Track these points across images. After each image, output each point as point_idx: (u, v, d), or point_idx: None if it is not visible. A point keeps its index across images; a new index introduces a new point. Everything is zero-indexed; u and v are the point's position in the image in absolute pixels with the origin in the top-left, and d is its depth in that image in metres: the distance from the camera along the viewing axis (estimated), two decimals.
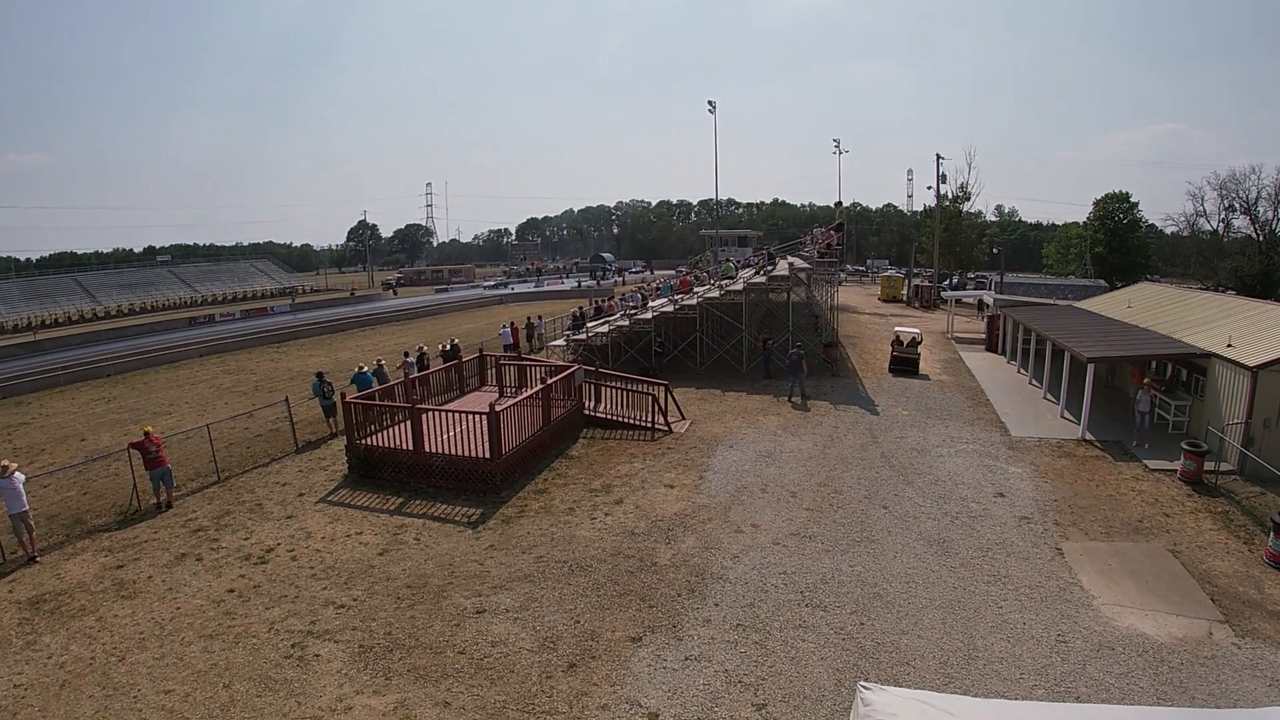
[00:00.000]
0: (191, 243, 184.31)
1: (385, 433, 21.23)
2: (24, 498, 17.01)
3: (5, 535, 17.40)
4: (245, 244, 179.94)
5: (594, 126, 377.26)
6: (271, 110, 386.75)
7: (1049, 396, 27.10)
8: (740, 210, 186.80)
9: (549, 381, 22.61)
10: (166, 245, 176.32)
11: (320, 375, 26.47)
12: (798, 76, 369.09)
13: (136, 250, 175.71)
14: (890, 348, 35.27)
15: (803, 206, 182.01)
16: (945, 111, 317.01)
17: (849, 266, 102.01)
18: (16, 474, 17.08)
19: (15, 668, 12.47)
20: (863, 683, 6.11)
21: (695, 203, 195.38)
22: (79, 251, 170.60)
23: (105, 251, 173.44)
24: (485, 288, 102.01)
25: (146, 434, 19.67)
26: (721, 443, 22.51)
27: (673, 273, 79.28)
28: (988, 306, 45.86)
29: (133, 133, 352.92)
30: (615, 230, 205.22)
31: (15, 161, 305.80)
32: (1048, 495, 18.06)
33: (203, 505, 19.84)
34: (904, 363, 33.52)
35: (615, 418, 24.55)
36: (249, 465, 22.87)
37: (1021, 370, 32.32)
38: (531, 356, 33.94)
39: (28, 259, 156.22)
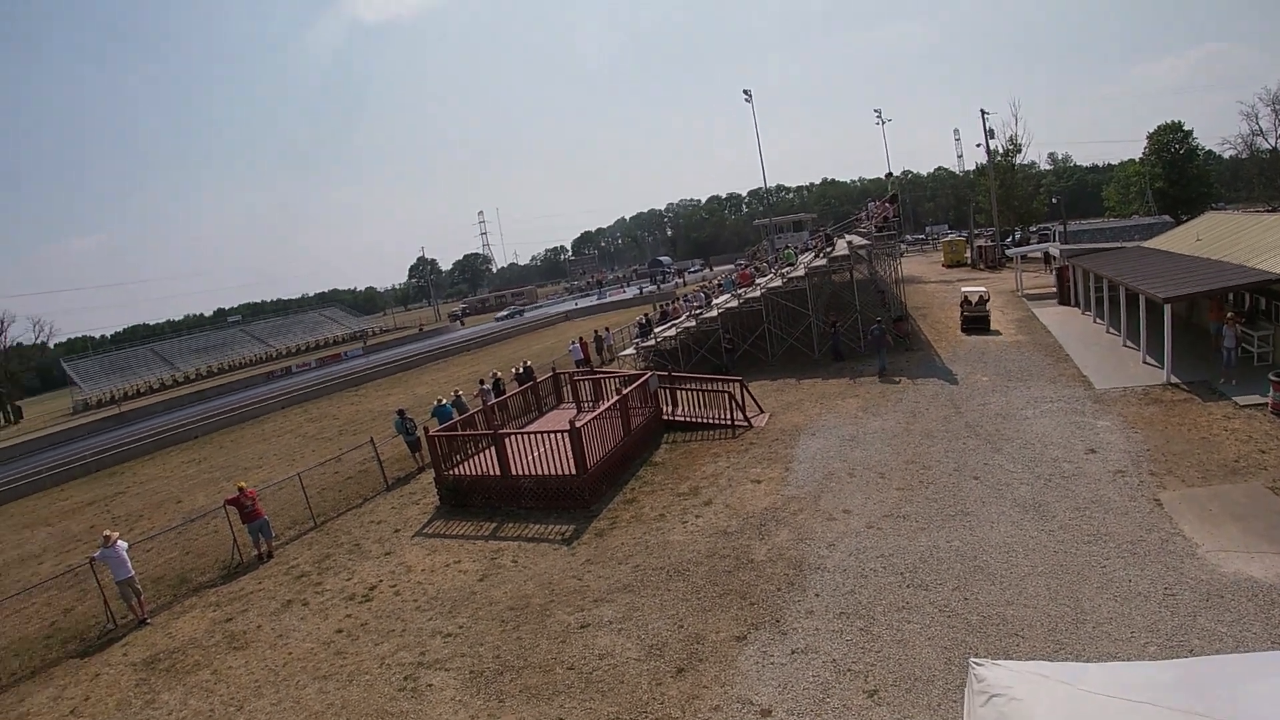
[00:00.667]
0: (259, 300, 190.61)
1: (471, 461, 21.62)
2: (129, 564, 17.85)
3: (115, 601, 18.16)
4: (311, 294, 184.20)
5: (632, 133, 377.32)
6: (318, 161, 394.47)
7: (1129, 343, 26.43)
8: (791, 195, 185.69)
9: (624, 391, 22.78)
10: (236, 306, 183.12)
11: (401, 412, 27.10)
12: (822, 51, 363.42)
13: (207, 314, 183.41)
14: (960, 309, 35.02)
15: (853, 182, 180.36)
16: (979, 66, 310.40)
17: (908, 236, 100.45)
18: (119, 542, 17.94)
19: None
20: (974, 659, 6.06)
21: (745, 194, 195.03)
22: (151, 323, 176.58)
23: (177, 319, 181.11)
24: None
25: (240, 489, 20.37)
26: (803, 431, 22.37)
27: (732, 267, 78.94)
28: (1054, 259, 44.88)
29: (187, 201, 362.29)
30: (669, 232, 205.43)
31: (78, 244, 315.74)
32: (1139, 446, 17.61)
33: (303, 551, 20.46)
34: (975, 321, 33.40)
35: (694, 419, 24.53)
36: (343, 508, 23.46)
37: (1097, 320, 31.55)
38: (604, 369, 34.04)
39: (102, 335, 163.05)
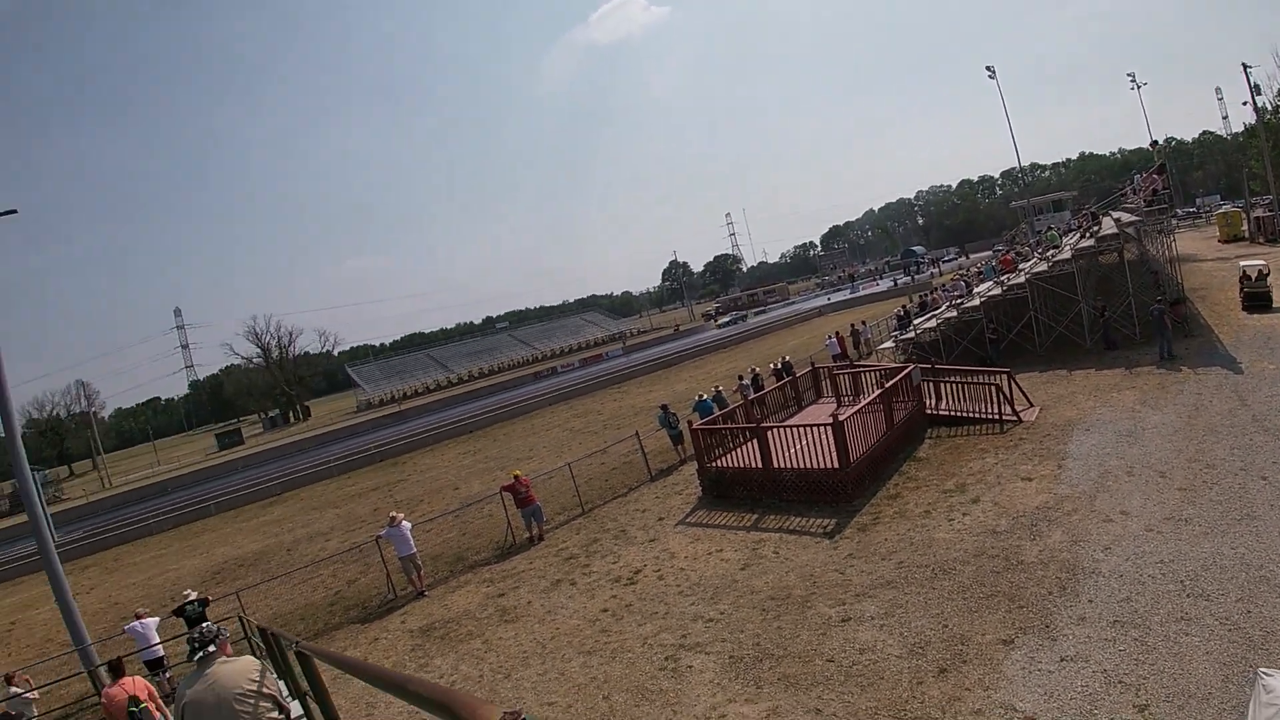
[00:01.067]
0: (523, 307, 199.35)
1: (733, 454, 22.13)
2: (411, 542, 19.91)
3: (396, 575, 20.34)
4: (571, 300, 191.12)
5: (874, 123, 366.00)
6: (572, 171, 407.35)
7: None
8: (1047, 173, 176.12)
9: (887, 385, 22.56)
10: (502, 314, 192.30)
11: (664, 407, 28.04)
12: (1060, 22, 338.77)
13: (476, 322, 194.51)
14: (1239, 285, 32.50)
15: (1112, 155, 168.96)
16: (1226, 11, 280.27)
17: (1179, 210, 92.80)
18: (404, 522, 20.06)
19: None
20: (1263, 669, 5.87)
21: (998, 175, 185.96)
22: (426, 331, 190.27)
23: (449, 327, 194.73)
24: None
25: (515, 477, 22.08)
26: (1076, 426, 21.30)
27: (990, 254, 76.20)
28: None
29: (455, 225, 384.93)
30: (920, 221, 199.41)
31: (360, 264, 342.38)
32: None
33: (571, 535, 21.69)
34: (1255, 298, 30.99)
35: (959, 413, 23.83)
36: (609, 496, 24.67)
37: None
38: (862, 363, 33.72)
39: (382, 344, 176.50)
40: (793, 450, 20.22)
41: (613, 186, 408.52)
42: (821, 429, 19.67)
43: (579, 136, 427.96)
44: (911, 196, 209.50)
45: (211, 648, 6.45)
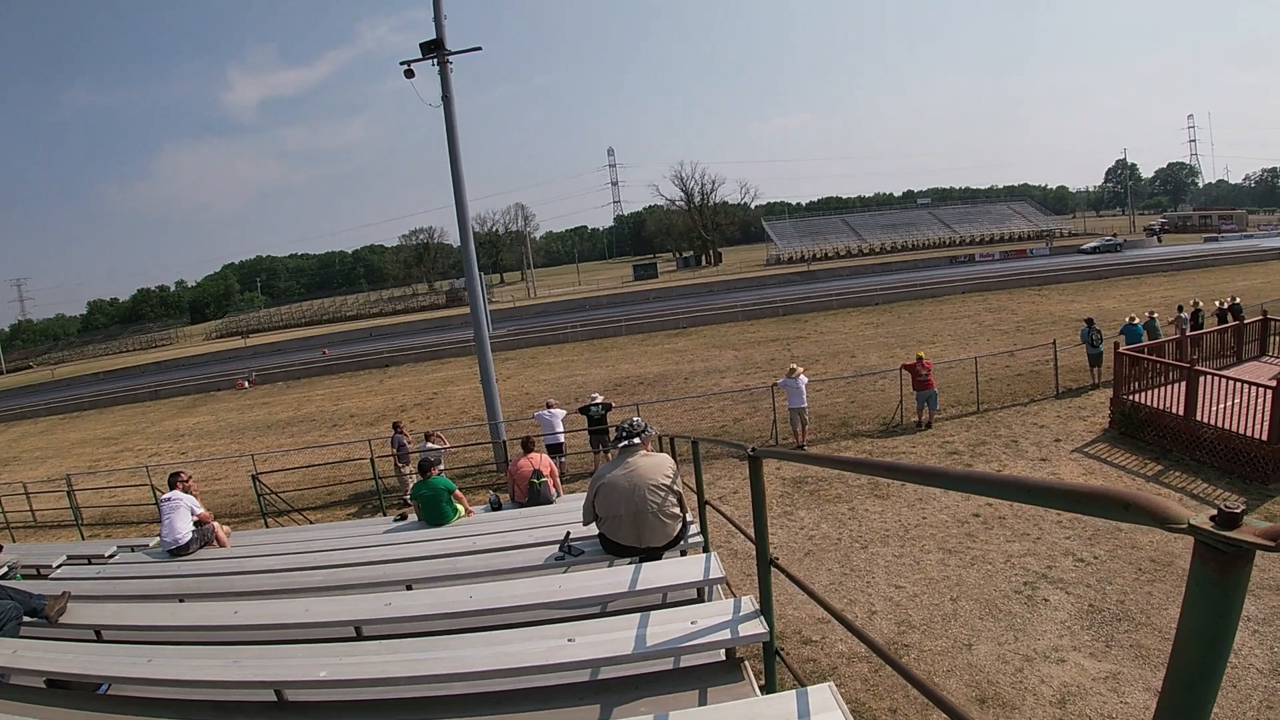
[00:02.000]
0: (948, 186, 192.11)
1: (1153, 392, 20.18)
2: (805, 396, 20.69)
3: (782, 424, 21.33)
4: (1000, 186, 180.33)
5: None
6: (1020, 51, 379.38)
7: None
8: None
9: None
10: (925, 189, 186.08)
11: (1090, 321, 26.01)
12: None
13: (896, 194, 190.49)
14: None
15: None
16: None
17: None
18: (801, 376, 20.89)
19: (772, 528, 14.69)
20: None
21: None
22: (843, 196, 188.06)
23: (867, 196, 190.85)
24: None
25: (919, 358, 21.90)
26: None
27: None
28: None
29: (885, 88, 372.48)
30: None
31: (782, 124, 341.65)
32: None
33: (960, 431, 21.26)
34: None
35: None
36: (1008, 402, 23.76)
37: None
38: None
39: (798, 203, 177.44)
40: (1221, 406, 18.12)
41: (1062, 62, 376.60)
42: (1261, 390, 17.41)
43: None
44: None
45: (636, 440, 7.15)
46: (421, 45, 21.42)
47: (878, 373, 26.17)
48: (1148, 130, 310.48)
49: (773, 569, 4.82)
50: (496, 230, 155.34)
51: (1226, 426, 17.76)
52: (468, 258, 22.36)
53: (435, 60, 21.44)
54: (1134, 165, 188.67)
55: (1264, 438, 16.84)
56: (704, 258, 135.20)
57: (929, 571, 13.22)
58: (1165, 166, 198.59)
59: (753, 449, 4.67)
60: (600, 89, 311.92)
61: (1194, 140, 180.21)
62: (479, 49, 22.09)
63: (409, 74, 21.53)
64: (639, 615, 4.99)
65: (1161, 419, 19.36)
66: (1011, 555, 13.85)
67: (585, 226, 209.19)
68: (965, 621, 11.63)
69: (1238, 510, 1.61)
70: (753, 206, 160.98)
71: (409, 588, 7.13)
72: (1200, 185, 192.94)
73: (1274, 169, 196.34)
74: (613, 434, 8.26)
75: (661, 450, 9.56)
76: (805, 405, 20.75)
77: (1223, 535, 1.60)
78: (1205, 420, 18.29)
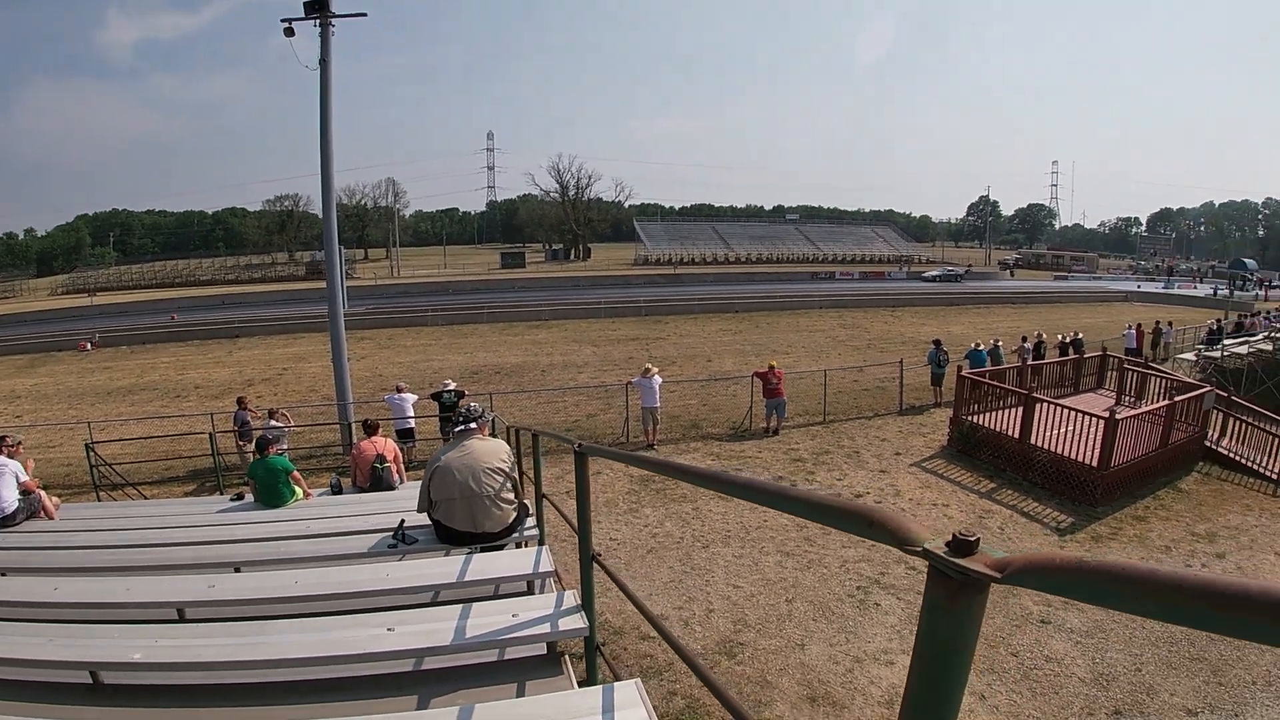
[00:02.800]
0: (817, 205, 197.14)
1: (992, 414, 21.17)
2: (658, 396, 20.89)
3: (634, 422, 21.43)
4: (867, 210, 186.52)
5: (1238, 97, 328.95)
6: (891, 83, 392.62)
7: None
8: None
9: (1176, 400, 20.98)
10: (795, 206, 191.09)
11: (938, 344, 27.17)
12: None
13: (767, 208, 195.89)
14: None
15: None
16: None
17: None
18: (656, 376, 21.21)
19: (616, 525, 15.26)
20: None
21: None
22: (716, 204, 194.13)
23: (739, 206, 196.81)
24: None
25: (771, 367, 22.44)
26: None
27: None
28: None
29: (769, 104, 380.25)
30: (1260, 233, 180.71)
31: (666, 127, 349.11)
32: None
33: (805, 440, 21.83)
34: None
35: (1238, 457, 21.48)
36: (853, 415, 24.61)
37: None
38: (1157, 366, 31.37)
39: (671, 206, 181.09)
40: (1055, 432, 19.14)
41: (937, 100, 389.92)
42: (1094, 420, 18.51)
43: (914, 37, 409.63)
44: (1260, 202, 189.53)
45: (473, 425, 7.10)
46: (305, 3, 20.76)
47: (731, 378, 26.70)
48: (1013, 171, 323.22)
49: (595, 565, 4.84)
50: (365, 204, 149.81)
51: (1060, 451, 18.81)
52: (328, 229, 21.53)
53: (317, 21, 20.76)
54: (996, 202, 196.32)
55: (1094, 464, 17.99)
56: (573, 252, 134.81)
57: (767, 573, 13.48)
58: (1025, 206, 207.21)
59: (579, 444, 4.67)
60: (488, 72, 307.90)
61: (1055, 185, 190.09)
62: (364, 15, 21.44)
63: (289, 32, 20.82)
64: (461, 606, 4.94)
65: (998, 440, 20.35)
66: (847, 560, 14.23)
67: (457, 209, 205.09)
68: (799, 622, 11.89)
69: (972, 538, 1.61)
70: (626, 205, 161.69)
71: (237, 570, 6.87)
72: (1057, 227, 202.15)
73: (1128, 218, 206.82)
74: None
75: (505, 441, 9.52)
76: (658, 405, 21.00)
77: (953, 562, 1.59)
78: (1039, 444, 19.31)
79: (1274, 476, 20.42)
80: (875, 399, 26.67)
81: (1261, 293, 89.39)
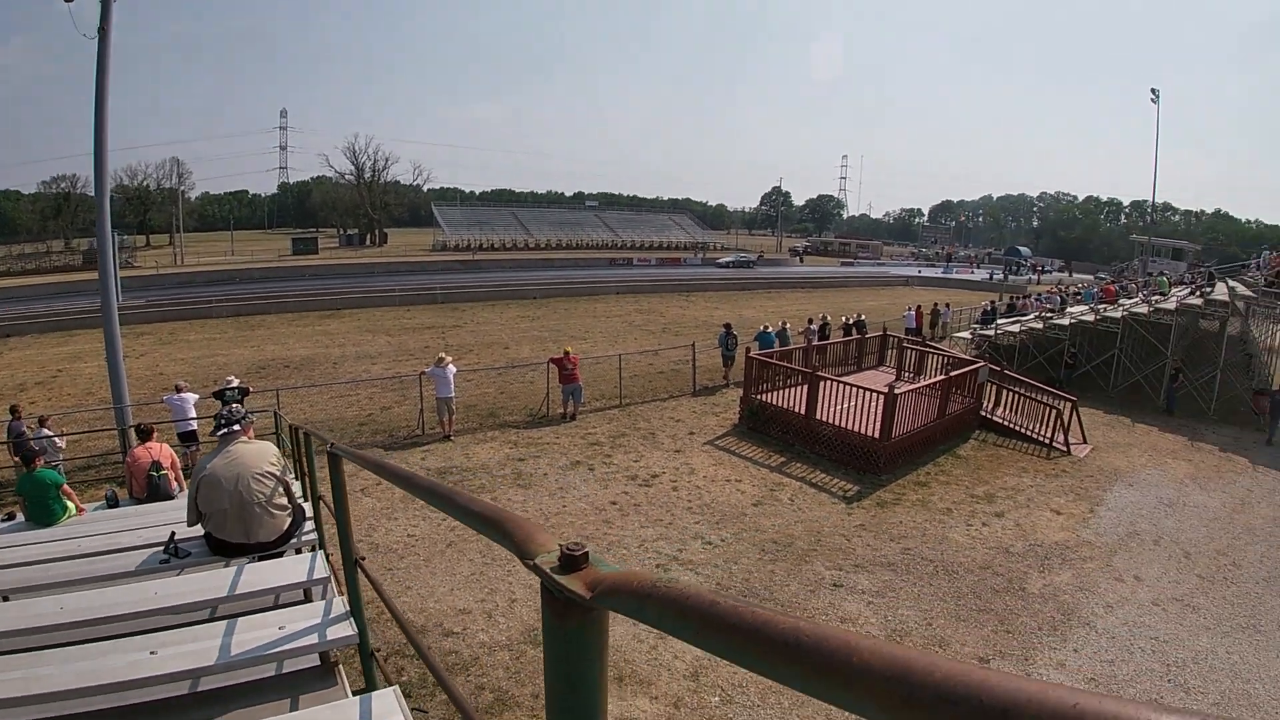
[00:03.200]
0: (617, 192, 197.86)
1: (780, 393, 22.26)
2: (452, 386, 20.85)
3: (430, 413, 21.11)
4: (665, 199, 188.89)
5: (1017, 106, 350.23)
6: (700, 76, 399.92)
7: None
8: (1177, 218, 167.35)
9: (951, 374, 22.45)
10: (594, 193, 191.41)
11: (728, 327, 28.33)
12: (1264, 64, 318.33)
13: (567, 194, 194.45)
14: None
15: (1248, 222, 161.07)
16: None
17: None
18: (450, 366, 21.05)
19: (412, 522, 15.07)
20: None
21: (1126, 203, 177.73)
22: (516, 190, 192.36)
23: (540, 192, 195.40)
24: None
25: (566, 353, 22.71)
26: (1121, 478, 20.76)
27: (1093, 279, 74.37)
28: None
29: (572, 92, 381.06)
30: (1035, 223, 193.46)
31: (476, 114, 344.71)
32: None
33: (602, 424, 22.36)
34: None
35: (1012, 425, 23.47)
36: (648, 397, 25.39)
37: None
38: (934, 344, 33.07)
39: (471, 191, 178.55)
40: (839, 407, 20.24)
41: (734, 94, 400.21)
42: (874, 395, 19.61)
43: (723, 40, 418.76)
44: (1035, 195, 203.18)
45: (236, 428, 6.83)
46: None
47: (528, 365, 26.81)
48: (805, 165, 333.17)
49: (358, 569, 4.76)
50: (148, 185, 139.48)
51: (844, 425, 19.95)
52: (101, 213, 19.80)
53: None
54: (788, 193, 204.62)
55: (876, 435, 19.24)
56: (369, 237, 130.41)
57: None
58: (816, 197, 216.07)
59: (332, 445, 4.60)
60: (283, 44, 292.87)
61: (845, 177, 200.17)
62: None
63: None
64: (227, 622, 4.76)
65: (786, 416, 21.43)
66: (646, 540, 14.72)
67: (246, 191, 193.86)
68: None
69: (579, 552, 1.52)
70: (425, 190, 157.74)
71: (5, 599, 6.45)
72: (845, 216, 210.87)
73: (912, 209, 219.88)
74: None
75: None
76: (453, 395, 20.84)
77: (555, 580, 1.48)
78: (825, 419, 20.44)
79: (1045, 441, 22.52)
80: (670, 381, 27.48)
81: (1035, 277, 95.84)
